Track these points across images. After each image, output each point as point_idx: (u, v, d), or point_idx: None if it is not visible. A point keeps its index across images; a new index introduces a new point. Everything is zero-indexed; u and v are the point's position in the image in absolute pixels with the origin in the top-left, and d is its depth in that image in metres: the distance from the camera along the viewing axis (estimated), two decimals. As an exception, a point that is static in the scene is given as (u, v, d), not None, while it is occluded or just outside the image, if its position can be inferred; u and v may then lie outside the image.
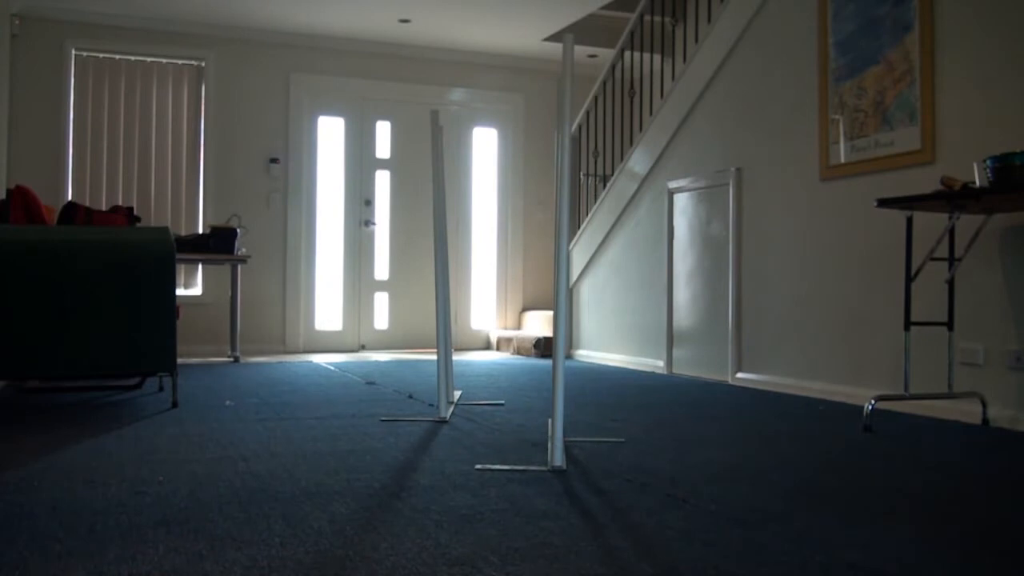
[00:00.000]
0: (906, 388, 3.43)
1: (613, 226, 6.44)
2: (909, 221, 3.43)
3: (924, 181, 3.62)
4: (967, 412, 3.58)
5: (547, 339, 6.92)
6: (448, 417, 3.47)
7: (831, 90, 4.37)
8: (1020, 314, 3.49)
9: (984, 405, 3.51)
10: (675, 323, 5.65)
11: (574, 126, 7.04)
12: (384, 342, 7.57)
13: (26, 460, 2.60)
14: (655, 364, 5.82)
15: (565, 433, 2.61)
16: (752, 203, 4.95)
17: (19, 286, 3.50)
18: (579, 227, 6.93)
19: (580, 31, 6.51)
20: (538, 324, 7.47)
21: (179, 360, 3.78)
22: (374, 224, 7.55)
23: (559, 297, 2.65)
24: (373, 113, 7.56)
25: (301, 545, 1.74)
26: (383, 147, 7.61)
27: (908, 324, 3.42)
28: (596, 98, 6.86)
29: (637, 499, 2.18)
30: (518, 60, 7.82)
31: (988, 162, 3.17)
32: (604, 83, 6.73)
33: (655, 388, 4.84)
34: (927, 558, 1.73)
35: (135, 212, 5.52)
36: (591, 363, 6.49)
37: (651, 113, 6.04)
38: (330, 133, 7.47)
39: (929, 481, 2.49)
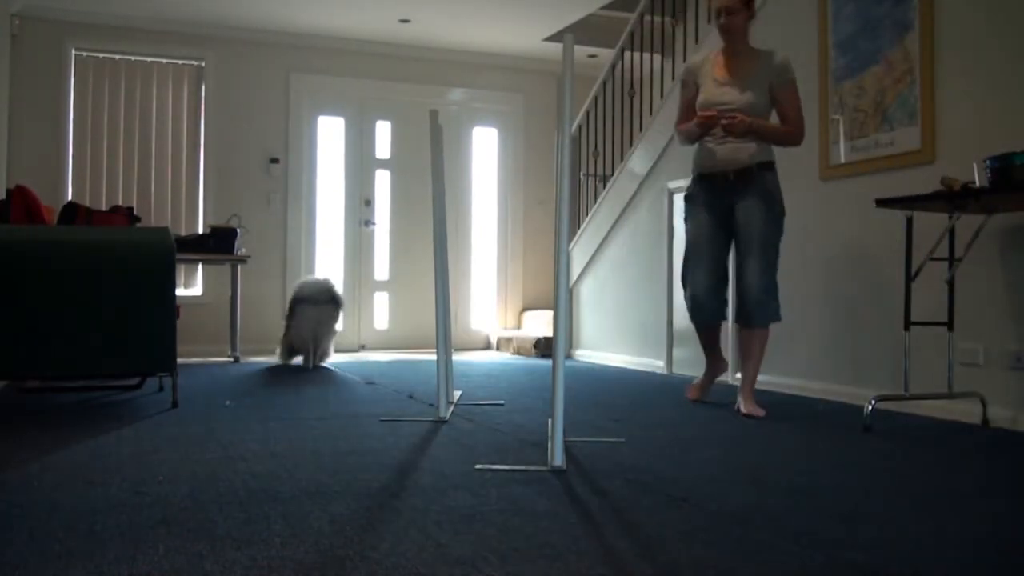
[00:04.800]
0: (906, 388, 3.43)
1: (613, 226, 6.44)
2: (909, 221, 3.43)
3: (924, 181, 3.62)
4: (967, 412, 3.58)
5: (547, 339, 6.92)
6: (448, 417, 3.47)
7: (831, 90, 4.37)
8: (1020, 314, 3.49)
9: (984, 405, 3.50)
10: (675, 323, 5.65)
11: (574, 126, 7.04)
12: (384, 342, 7.57)
13: (26, 460, 2.60)
14: (655, 364, 5.82)
15: (565, 433, 2.61)
16: (752, 203, 4.94)
17: (19, 286, 3.50)
18: (579, 227, 6.93)
19: (580, 31, 6.50)
20: (538, 324, 7.47)
21: (179, 360, 3.77)
22: (374, 224, 7.55)
23: (559, 297, 2.65)
24: (373, 113, 7.56)
25: (301, 545, 1.74)
26: (383, 147, 7.61)
27: (908, 324, 3.42)
28: (596, 98, 6.86)
29: (637, 499, 2.18)
30: (518, 60, 7.82)
31: (988, 162, 3.17)
32: (604, 83, 6.73)
33: (655, 388, 4.84)
34: (927, 558, 1.73)
35: (135, 212, 5.53)
36: (591, 363, 6.49)
37: (651, 113, 6.03)
38: (330, 133, 7.47)
39: (929, 481, 2.49)
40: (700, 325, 3.99)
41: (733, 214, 3.77)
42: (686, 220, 3.95)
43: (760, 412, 3.65)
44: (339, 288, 5.83)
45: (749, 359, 3.77)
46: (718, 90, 3.77)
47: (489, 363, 6.39)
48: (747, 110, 3.68)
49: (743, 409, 3.69)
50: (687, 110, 3.90)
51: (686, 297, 3.94)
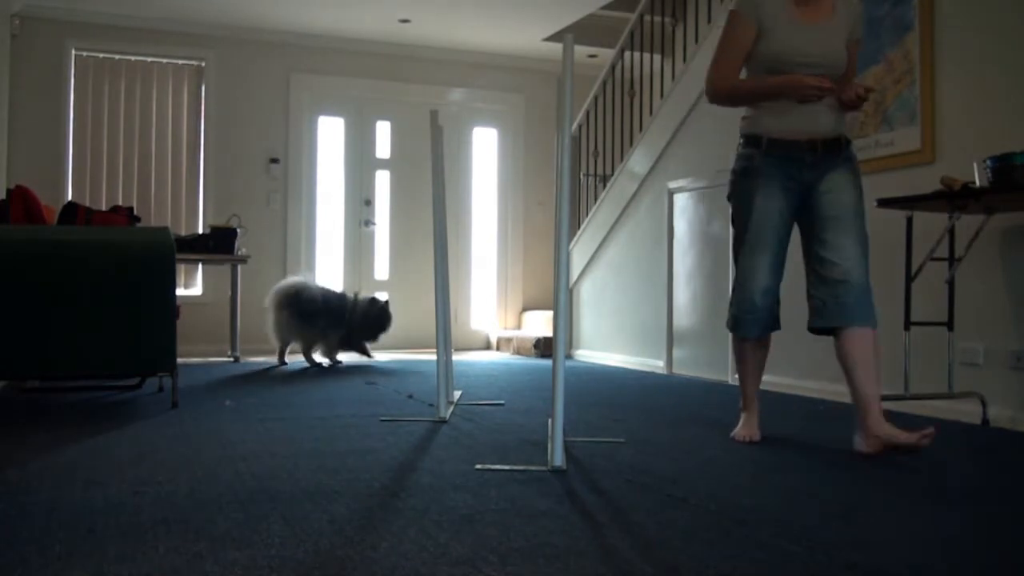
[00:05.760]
0: (906, 388, 3.43)
1: (613, 226, 6.44)
2: (909, 221, 3.43)
3: (924, 181, 3.62)
4: (967, 412, 3.58)
5: (547, 339, 6.92)
6: (448, 417, 3.47)
7: (831, 90, 4.37)
8: (1020, 314, 3.49)
9: (984, 405, 3.51)
10: (675, 323, 5.65)
11: (574, 126, 7.04)
12: (384, 342, 7.55)
13: (26, 460, 2.60)
14: (655, 364, 5.82)
15: (565, 433, 2.61)
16: (752, 203, 4.94)
17: (19, 286, 3.50)
18: (579, 227, 6.93)
19: (580, 31, 6.50)
20: (538, 324, 7.47)
21: (179, 360, 3.77)
22: (374, 224, 7.55)
23: (559, 297, 2.65)
24: (373, 113, 7.56)
25: (301, 545, 1.74)
26: (383, 147, 7.61)
27: (908, 324, 3.42)
28: (596, 98, 6.86)
29: (637, 499, 2.18)
30: (518, 60, 7.82)
31: (988, 162, 3.17)
32: (604, 83, 6.73)
33: (655, 388, 4.84)
34: (928, 558, 1.73)
35: (135, 212, 5.52)
36: (591, 363, 6.49)
37: (651, 113, 6.04)
38: (330, 133, 7.47)
39: (929, 481, 2.49)
40: (749, 337, 3.04)
41: (814, 191, 2.90)
42: (743, 199, 2.97)
43: (914, 437, 2.66)
44: (307, 290, 5.78)
45: (866, 367, 2.81)
46: (804, 37, 2.86)
47: (489, 363, 6.39)
48: (840, 66, 2.91)
49: (891, 436, 2.69)
50: (737, 55, 2.92)
51: (738, 300, 3.02)
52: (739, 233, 3.02)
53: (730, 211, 3.10)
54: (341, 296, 5.92)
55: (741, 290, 3.01)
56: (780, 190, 2.92)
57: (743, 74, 3.02)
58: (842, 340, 2.84)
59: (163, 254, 3.68)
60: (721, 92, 2.97)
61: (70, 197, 6.53)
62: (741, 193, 3.00)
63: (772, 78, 2.87)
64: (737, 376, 3.21)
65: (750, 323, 3.02)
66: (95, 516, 1.95)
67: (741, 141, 3.01)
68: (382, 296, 6.04)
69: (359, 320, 5.90)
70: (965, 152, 3.61)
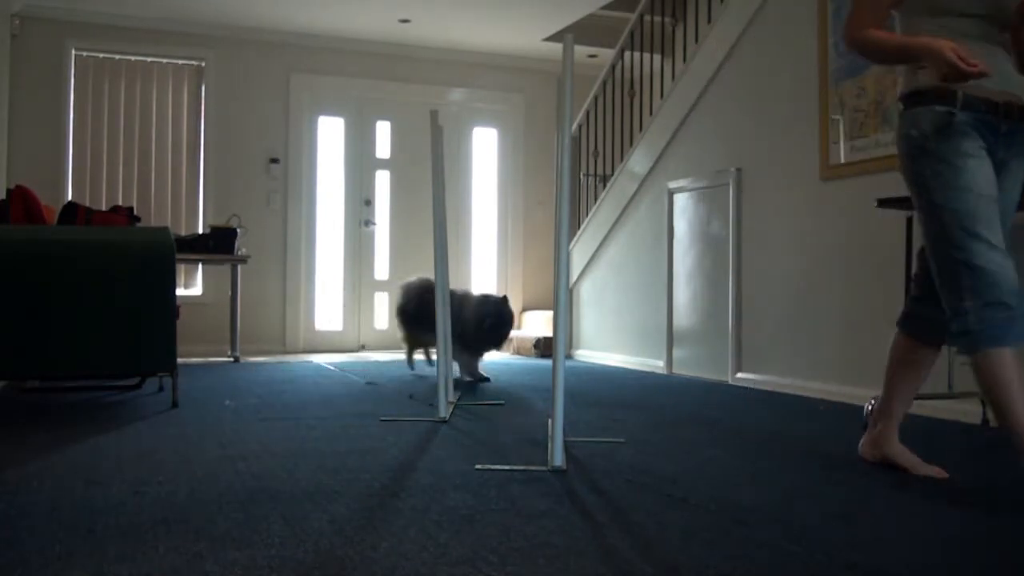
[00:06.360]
0: (906, 388, 3.42)
1: (613, 226, 6.44)
2: (909, 221, 3.42)
3: (924, 181, 3.61)
4: (967, 412, 3.58)
5: (547, 339, 6.92)
6: (448, 417, 3.47)
7: (831, 90, 4.37)
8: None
9: (984, 405, 3.50)
10: (675, 323, 5.65)
11: (574, 126, 7.04)
12: (384, 342, 7.56)
13: (26, 460, 2.60)
14: (655, 364, 5.82)
15: (565, 433, 2.61)
16: (752, 203, 4.95)
17: (19, 286, 3.50)
18: (579, 227, 6.93)
19: (580, 31, 6.49)
20: (538, 324, 7.47)
21: (179, 360, 3.78)
22: (374, 224, 7.55)
23: (559, 297, 2.65)
24: (373, 113, 7.56)
25: (301, 545, 1.74)
26: (383, 147, 7.61)
27: (908, 324, 3.40)
28: (596, 98, 6.86)
29: (637, 499, 2.18)
30: (518, 60, 7.82)
31: (988, 162, 3.15)
32: (604, 83, 6.73)
33: (655, 388, 4.84)
34: (928, 558, 1.73)
35: (135, 212, 5.52)
36: (591, 363, 6.49)
37: (651, 113, 6.03)
38: (330, 133, 7.47)
39: (929, 481, 2.48)
40: (1011, 345, 2.20)
41: (999, 174, 2.32)
42: (940, 165, 2.29)
43: (922, 469, 2.49)
44: (409, 290, 5.21)
45: (916, 384, 2.57)
46: None
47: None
48: (1006, 8, 2.32)
49: (899, 457, 2.54)
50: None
51: (985, 296, 2.19)
52: (950, 210, 2.26)
53: (911, 194, 2.46)
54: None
55: (986, 280, 2.19)
56: (988, 155, 2.29)
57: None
58: (924, 351, 2.51)
59: (163, 254, 3.68)
60: (856, 43, 2.45)
61: (70, 197, 6.52)
62: (937, 157, 2.29)
63: (914, 40, 2.31)
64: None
65: (1013, 324, 2.19)
66: (95, 516, 1.95)
67: (915, 98, 2.39)
68: (496, 293, 5.12)
69: (469, 323, 4.79)
70: (965, 152, 3.61)
